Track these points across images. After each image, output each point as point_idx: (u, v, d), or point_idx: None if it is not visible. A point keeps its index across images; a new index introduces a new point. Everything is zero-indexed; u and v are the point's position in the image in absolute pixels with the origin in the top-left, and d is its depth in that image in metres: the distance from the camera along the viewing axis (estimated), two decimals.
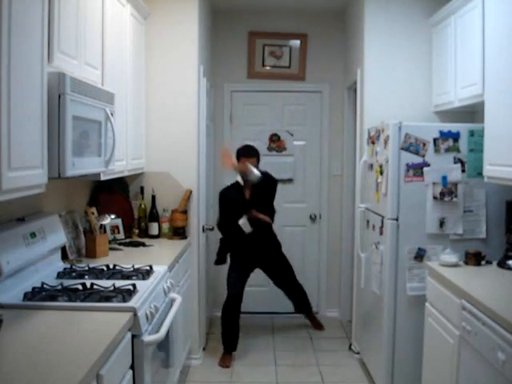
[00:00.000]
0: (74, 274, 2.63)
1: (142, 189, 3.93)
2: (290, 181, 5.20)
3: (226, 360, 4.11)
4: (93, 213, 3.20)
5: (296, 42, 5.12)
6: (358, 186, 4.16)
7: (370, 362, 3.83)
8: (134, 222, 3.87)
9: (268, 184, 4.28)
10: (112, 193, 3.75)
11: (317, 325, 4.89)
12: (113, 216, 3.53)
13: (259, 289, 5.23)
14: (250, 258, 4.36)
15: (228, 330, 4.20)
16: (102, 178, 2.87)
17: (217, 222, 4.43)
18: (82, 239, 3.22)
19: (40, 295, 2.22)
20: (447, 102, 3.61)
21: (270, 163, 4.84)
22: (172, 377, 3.01)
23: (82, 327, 1.97)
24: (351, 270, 4.60)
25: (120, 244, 3.57)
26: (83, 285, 2.35)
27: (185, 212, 3.91)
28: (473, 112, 3.72)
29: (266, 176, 4.23)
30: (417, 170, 3.30)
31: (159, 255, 3.37)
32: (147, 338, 2.18)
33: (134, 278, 2.60)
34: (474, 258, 2.96)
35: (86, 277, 2.59)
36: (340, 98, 5.12)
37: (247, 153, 4.21)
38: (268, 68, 5.16)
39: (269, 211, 4.30)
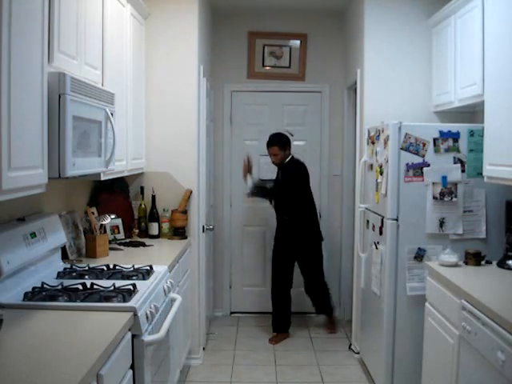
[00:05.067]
0: (74, 274, 2.63)
1: (142, 189, 3.93)
2: None
3: (274, 338, 4.57)
4: (93, 213, 3.20)
5: (296, 42, 5.12)
6: (358, 186, 4.16)
7: (369, 362, 3.83)
8: (133, 222, 3.87)
9: (288, 174, 4.50)
10: (112, 193, 3.75)
11: (331, 326, 4.82)
12: (113, 216, 3.53)
13: (259, 289, 5.24)
14: (282, 248, 4.58)
15: (273, 312, 4.65)
16: (102, 178, 2.87)
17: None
18: (82, 239, 3.22)
19: (40, 295, 2.22)
20: (447, 101, 3.61)
21: (270, 163, 4.83)
22: (172, 377, 3.01)
23: (82, 327, 1.97)
24: (351, 269, 4.60)
25: (120, 244, 3.57)
26: (83, 285, 2.35)
27: (185, 212, 3.91)
28: (473, 112, 3.72)
29: (291, 165, 4.50)
30: (417, 170, 3.30)
31: (159, 255, 3.37)
32: (147, 337, 2.19)
33: (134, 277, 2.60)
34: (474, 258, 2.96)
35: (86, 277, 2.59)
36: (340, 98, 5.12)
37: (268, 143, 4.53)
38: (268, 68, 5.16)
39: (287, 206, 4.51)
